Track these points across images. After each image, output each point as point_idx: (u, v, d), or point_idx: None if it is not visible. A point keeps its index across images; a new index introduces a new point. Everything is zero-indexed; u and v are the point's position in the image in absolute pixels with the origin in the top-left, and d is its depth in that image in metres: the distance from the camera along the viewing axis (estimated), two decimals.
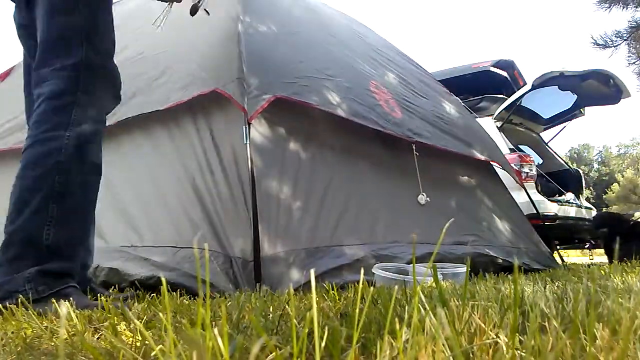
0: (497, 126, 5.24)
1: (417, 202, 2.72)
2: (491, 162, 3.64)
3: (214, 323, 0.91)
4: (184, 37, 2.42)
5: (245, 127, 1.94)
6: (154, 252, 2.00)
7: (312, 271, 0.49)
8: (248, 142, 1.94)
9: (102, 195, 2.33)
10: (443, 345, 0.51)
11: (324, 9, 3.45)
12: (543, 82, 4.94)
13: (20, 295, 1.19)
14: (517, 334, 0.54)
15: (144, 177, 2.29)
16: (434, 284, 1.15)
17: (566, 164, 6.64)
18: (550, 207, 4.94)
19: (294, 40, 2.53)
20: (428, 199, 2.74)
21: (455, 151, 3.14)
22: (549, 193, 5.22)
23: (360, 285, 0.65)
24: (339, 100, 2.39)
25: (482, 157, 3.42)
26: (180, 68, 2.30)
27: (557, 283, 1.62)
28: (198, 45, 2.34)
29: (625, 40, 6.30)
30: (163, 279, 0.56)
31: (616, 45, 6.34)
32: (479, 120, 4.54)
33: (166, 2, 1.92)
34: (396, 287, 0.83)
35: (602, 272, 2.22)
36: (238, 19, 2.21)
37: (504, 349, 0.56)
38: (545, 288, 1.33)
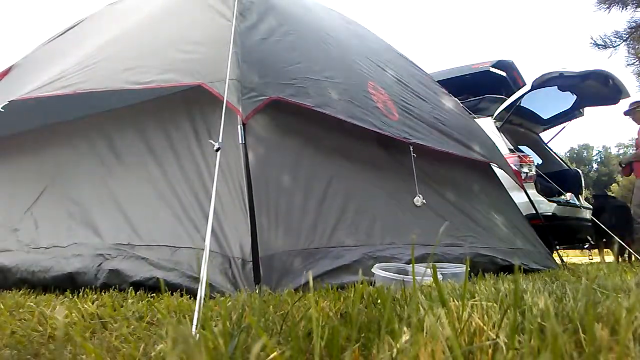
0: (496, 126, 5.24)
1: (415, 204, 2.72)
2: (490, 163, 3.64)
3: (214, 322, 0.91)
4: (174, 31, 2.41)
5: (240, 128, 1.94)
6: (151, 251, 1.99)
7: (309, 273, 0.49)
8: (243, 142, 1.94)
9: (99, 193, 2.34)
10: (441, 343, 0.51)
11: (322, 9, 3.45)
12: (543, 82, 4.94)
13: None
14: (516, 334, 0.54)
15: (141, 177, 2.28)
16: (433, 284, 1.15)
17: (566, 164, 6.65)
18: (549, 207, 4.94)
19: (291, 40, 2.52)
20: (424, 200, 2.75)
21: (452, 152, 3.14)
22: (548, 193, 5.23)
23: (360, 285, 0.65)
24: (336, 102, 2.39)
25: (480, 158, 3.42)
26: (163, 58, 2.24)
27: (556, 283, 1.62)
28: (188, 40, 2.30)
29: (624, 40, 6.31)
30: (161, 280, 0.56)
31: (615, 46, 6.36)
32: (478, 120, 4.54)
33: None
34: (395, 286, 0.83)
35: (602, 271, 2.22)
36: (233, 19, 2.20)
37: (504, 349, 0.56)
38: (544, 288, 1.33)
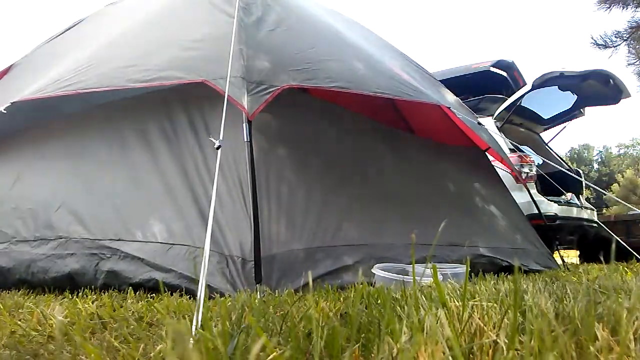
0: (497, 126, 5.24)
1: (417, 203, 2.72)
2: (491, 159, 3.66)
3: (213, 323, 0.91)
4: (176, 30, 2.40)
5: (246, 125, 1.92)
6: (143, 247, 1.97)
7: (309, 273, 0.49)
8: (249, 140, 1.91)
9: (89, 188, 2.31)
10: (441, 344, 0.51)
11: (321, 11, 3.44)
12: (543, 82, 4.94)
13: None
14: (517, 334, 0.54)
15: (135, 173, 2.24)
16: (433, 284, 1.14)
17: (566, 164, 6.64)
18: (550, 208, 4.94)
19: (301, 28, 2.49)
20: (427, 200, 2.75)
21: (468, 123, 3.22)
22: (549, 193, 5.22)
23: (360, 285, 0.65)
24: (360, 79, 2.35)
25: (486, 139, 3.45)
26: (166, 56, 2.22)
27: (556, 283, 1.61)
28: (190, 38, 2.28)
29: (625, 40, 6.31)
30: (161, 282, 0.56)
31: (616, 46, 6.35)
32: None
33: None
34: (395, 286, 0.83)
35: (602, 272, 2.22)
36: (234, 16, 2.18)
37: (504, 349, 0.56)
38: (544, 288, 1.33)
